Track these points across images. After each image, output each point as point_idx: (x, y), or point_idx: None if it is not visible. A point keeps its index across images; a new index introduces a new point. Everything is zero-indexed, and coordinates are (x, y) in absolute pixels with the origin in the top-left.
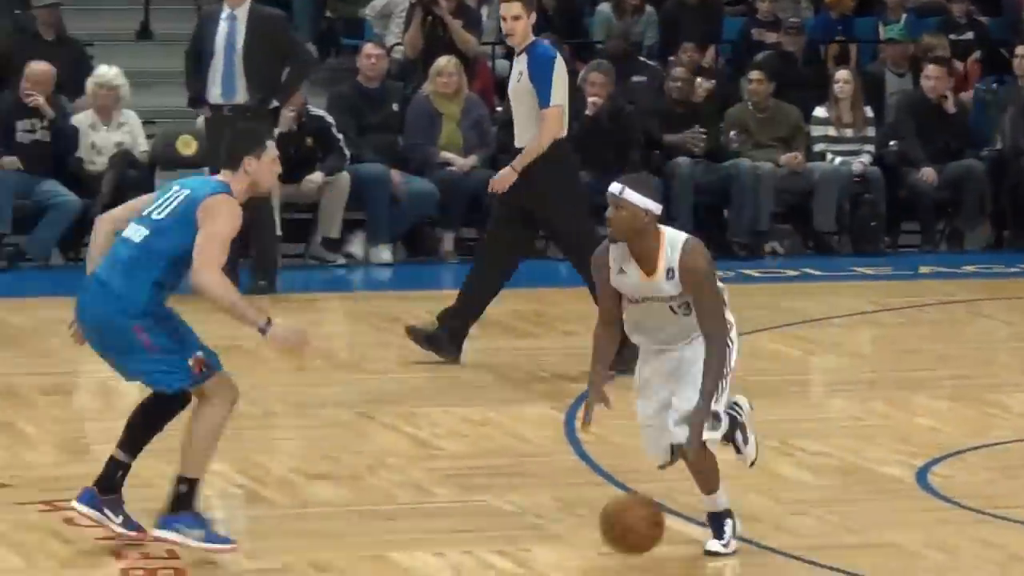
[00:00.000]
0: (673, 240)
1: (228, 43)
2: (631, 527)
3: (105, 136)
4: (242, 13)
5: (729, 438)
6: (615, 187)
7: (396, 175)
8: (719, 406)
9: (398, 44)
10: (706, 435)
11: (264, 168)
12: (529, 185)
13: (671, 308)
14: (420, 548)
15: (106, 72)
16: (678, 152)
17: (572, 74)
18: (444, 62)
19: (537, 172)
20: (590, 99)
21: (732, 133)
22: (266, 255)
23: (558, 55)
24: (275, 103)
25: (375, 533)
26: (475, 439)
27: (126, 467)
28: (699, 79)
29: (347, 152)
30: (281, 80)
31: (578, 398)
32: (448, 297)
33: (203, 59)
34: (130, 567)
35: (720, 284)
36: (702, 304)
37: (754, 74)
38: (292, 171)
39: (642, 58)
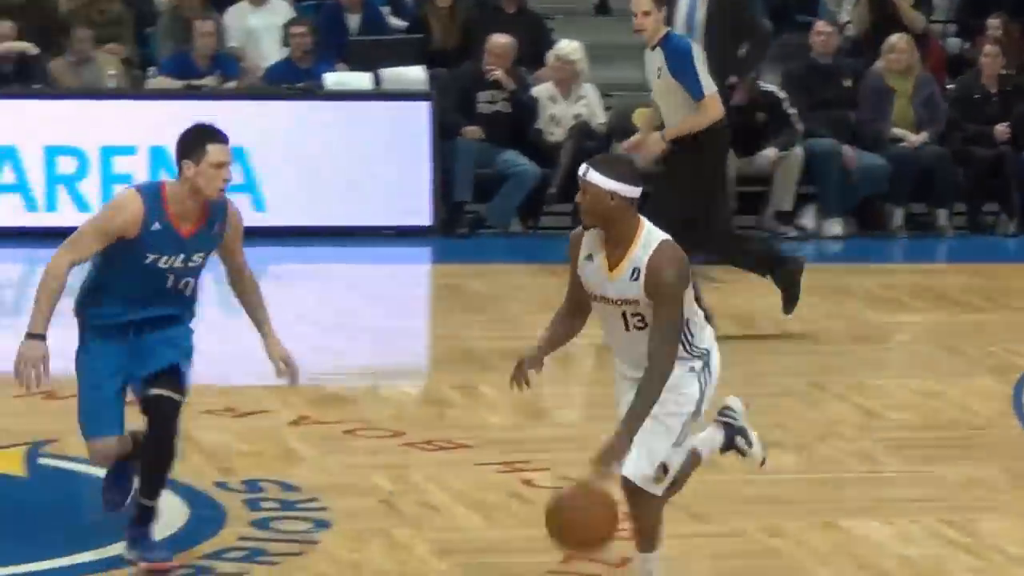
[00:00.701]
0: (648, 238)
1: (689, 19)
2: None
3: (564, 108)
4: None
5: (729, 446)
6: (582, 168)
7: (848, 150)
8: (671, 454)
9: (850, 22)
10: (650, 487)
11: (203, 173)
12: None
13: (623, 316)
14: (870, 516)
15: (566, 46)
16: None
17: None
18: (895, 39)
19: (683, 150)
20: None
21: None
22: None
23: (692, 44)
24: (732, 79)
25: (825, 500)
26: (924, 410)
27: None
28: None
29: (799, 127)
30: (737, 56)
31: None
32: (897, 271)
33: None
34: None
35: (697, 308)
36: (658, 318)
37: None
38: (743, 145)
39: None
